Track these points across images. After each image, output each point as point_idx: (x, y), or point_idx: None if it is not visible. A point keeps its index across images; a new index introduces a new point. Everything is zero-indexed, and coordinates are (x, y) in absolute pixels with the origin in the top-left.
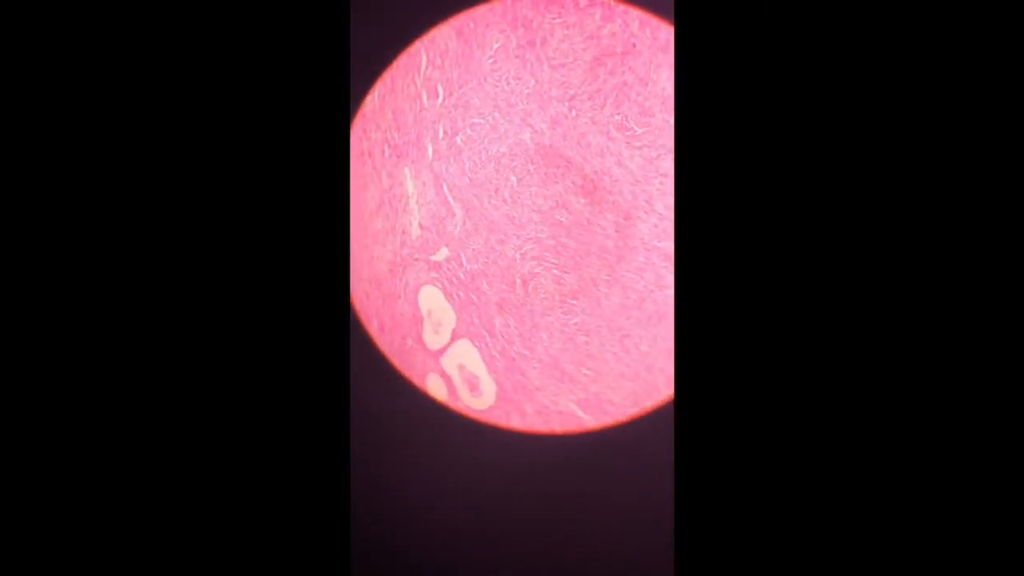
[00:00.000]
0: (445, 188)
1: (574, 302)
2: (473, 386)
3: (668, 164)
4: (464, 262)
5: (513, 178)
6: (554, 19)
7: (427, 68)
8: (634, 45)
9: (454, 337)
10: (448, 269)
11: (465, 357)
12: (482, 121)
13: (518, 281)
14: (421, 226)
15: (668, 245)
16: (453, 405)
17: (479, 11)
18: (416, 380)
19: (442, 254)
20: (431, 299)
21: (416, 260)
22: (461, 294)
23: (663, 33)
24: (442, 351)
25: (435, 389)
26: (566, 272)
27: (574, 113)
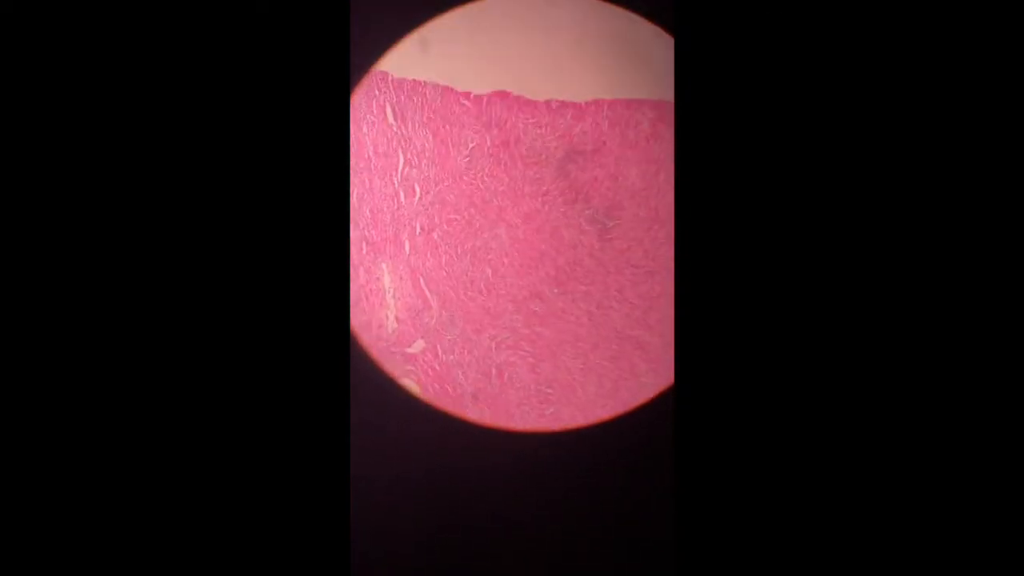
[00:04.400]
0: (422, 281)
1: (549, 391)
2: None
3: (639, 255)
4: (440, 353)
5: (488, 270)
6: (527, 119)
7: (404, 168)
8: (604, 143)
9: None
10: (424, 361)
11: None
12: (458, 217)
13: (493, 371)
14: (397, 319)
15: (641, 334)
16: None
17: (454, 112)
18: None
19: (418, 346)
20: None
21: (392, 353)
22: (436, 386)
23: (631, 131)
24: None
25: None
26: (541, 360)
27: (547, 208)
